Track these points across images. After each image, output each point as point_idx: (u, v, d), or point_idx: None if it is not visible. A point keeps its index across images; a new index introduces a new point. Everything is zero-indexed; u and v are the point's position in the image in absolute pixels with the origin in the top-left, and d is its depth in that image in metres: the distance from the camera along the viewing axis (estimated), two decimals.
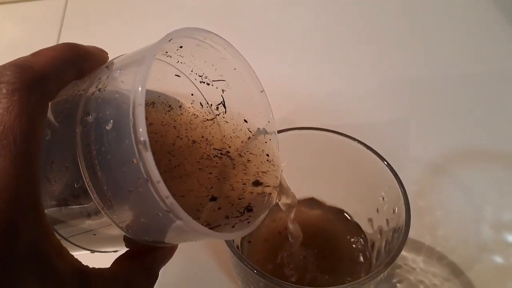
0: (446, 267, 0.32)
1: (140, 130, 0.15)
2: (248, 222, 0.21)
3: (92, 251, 0.22)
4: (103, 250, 0.22)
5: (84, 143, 0.17)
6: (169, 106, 0.24)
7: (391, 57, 0.49)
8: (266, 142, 0.24)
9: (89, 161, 0.17)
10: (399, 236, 0.24)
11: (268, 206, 0.22)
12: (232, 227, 0.21)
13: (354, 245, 0.31)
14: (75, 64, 0.18)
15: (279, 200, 0.23)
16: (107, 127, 0.16)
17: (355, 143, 0.28)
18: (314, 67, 0.49)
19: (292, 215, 0.25)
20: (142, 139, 0.15)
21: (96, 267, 0.18)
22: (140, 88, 0.15)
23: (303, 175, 0.32)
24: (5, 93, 0.15)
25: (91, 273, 0.17)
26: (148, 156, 0.15)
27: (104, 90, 0.17)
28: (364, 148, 0.28)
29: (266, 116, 0.23)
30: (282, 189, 0.23)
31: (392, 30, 0.52)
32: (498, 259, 0.33)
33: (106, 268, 0.18)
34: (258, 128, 0.24)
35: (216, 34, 0.20)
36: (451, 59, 0.48)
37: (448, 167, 0.39)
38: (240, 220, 0.21)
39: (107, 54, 0.20)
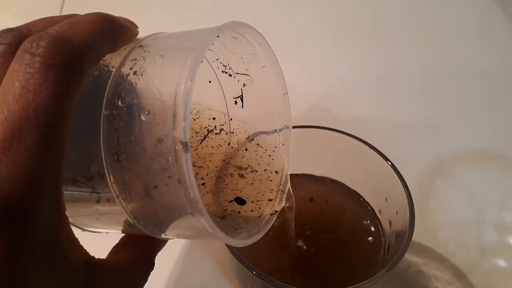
0: (448, 270, 0.32)
1: (183, 129, 0.14)
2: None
3: (83, 230, 0.21)
4: (96, 230, 0.21)
5: (111, 128, 0.16)
6: None
7: (392, 58, 0.49)
8: (276, 146, 0.23)
9: (114, 147, 0.16)
10: (403, 240, 0.24)
11: (276, 212, 0.22)
12: (236, 228, 0.21)
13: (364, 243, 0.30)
14: (111, 39, 0.16)
15: (285, 205, 0.23)
16: (142, 117, 0.15)
17: (360, 143, 0.28)
18: (316, 64, 0.48)
19: (292, 213, 0.25)
20: (183, 140, 0.14)
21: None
22: (188, 87, 0.14)
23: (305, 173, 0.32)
24: (39, 68, 0.13)
25: (97, 264, 0.16)
26: (187, 159, 0.14)
27: (141, 75, 0.16)
28: (368, 148, 0.28)
29: (284, 119, 0.23)
30: (287, 194, 0.23)
31: (395, 29, 0.52)
32: (500, 262, 0.33)
33: (109, 259, 0.18)
34: (263, 131, 0.24)
35: (258, 31, 0.19)
36: (452, 60, 0.48)
37: (449, 169, 0.38)
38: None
39: (138, 28, 0.19)
